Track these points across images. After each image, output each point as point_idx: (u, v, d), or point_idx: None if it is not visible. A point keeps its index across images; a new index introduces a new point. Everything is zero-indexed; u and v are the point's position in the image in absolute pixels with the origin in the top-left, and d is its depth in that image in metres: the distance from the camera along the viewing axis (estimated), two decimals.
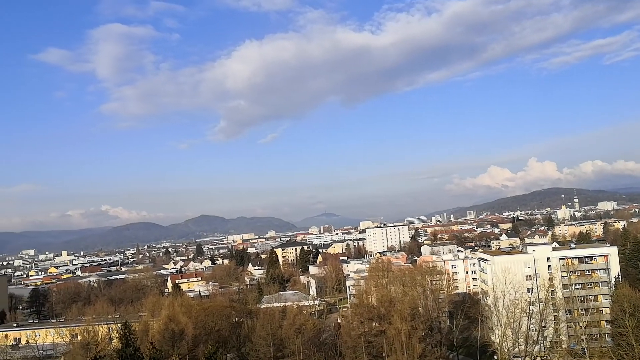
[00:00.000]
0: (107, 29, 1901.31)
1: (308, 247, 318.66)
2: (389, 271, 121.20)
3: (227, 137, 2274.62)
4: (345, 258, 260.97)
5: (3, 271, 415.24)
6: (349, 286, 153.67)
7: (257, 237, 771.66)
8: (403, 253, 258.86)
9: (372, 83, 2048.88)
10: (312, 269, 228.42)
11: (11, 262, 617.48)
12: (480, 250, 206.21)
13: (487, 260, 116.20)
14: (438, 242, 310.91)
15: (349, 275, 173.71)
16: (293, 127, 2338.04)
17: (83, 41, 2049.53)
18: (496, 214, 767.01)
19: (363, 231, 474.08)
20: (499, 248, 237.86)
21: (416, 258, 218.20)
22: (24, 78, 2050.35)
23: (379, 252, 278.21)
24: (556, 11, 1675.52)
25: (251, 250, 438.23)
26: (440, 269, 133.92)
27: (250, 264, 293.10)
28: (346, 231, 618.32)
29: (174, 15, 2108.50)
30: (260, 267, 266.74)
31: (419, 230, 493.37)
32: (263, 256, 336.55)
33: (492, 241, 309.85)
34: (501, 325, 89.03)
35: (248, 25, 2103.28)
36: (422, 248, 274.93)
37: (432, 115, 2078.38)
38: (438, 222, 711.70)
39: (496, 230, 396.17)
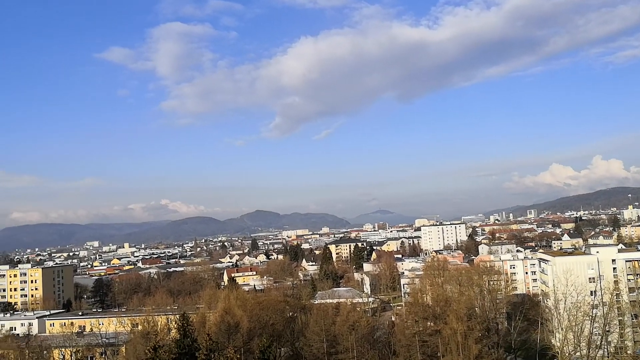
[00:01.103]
0: (167, 27, 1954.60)
1: (362, 244, 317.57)
2: (444, 270, 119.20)
3: (281, 134, 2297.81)
4: (400, 256, 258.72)
5: (69, 261, 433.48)
6: (403, 284, 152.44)
7: (310, 233, 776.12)
8: (460, 252, 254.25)
9: (429, 78, 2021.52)
10: (366, 266, 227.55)
11: (77, 253, 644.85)
12: (540, 250, 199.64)
13: (547, 261, 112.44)
14: (496, 241, 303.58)
15: (403, 273, 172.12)
16: (348, 123, 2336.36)
17: (144, 40, 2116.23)
18: (558, 214, 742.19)
19: (418, 229, 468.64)
20: (561, 249, 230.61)
21: (473, 257, 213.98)
22: (89, 76, 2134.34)
23: (434, 251, 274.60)
24: (623, 3, 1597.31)
25: (305, 246, 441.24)
26: (498, 269, 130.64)
27: (304, 259, 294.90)
28: (401, 229, 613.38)
29: (231, 14, 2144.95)
30: (314, 263, 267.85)
31: (477, 229, 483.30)
32: (317, 252, 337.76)
33: (553, 242, 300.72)
34: (562, 329, 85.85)
35: (303, 21, 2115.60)
36: (480, 247, 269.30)
37: (490, 111, 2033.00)
38: (496, 221, 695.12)
39: (558, 231, 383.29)
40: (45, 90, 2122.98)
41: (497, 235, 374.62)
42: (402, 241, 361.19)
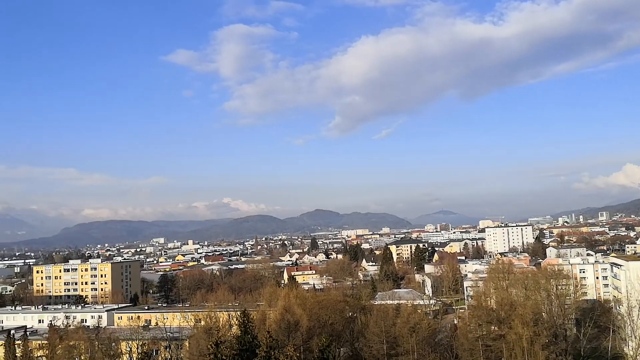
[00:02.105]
0: (230, 29, 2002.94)
1: (423, 245, 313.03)
2: (510, 273, 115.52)
3: (341, 133, 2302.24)
4: (463, 258, 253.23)
5: (136, 257, 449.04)
6: (466, 287, 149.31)
7: (371, 233, 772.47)
8: (526, 255, 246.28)
9: (493, 76, 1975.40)
10: (428, 268, 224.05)
11: (144, 249, 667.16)
12: (612, 254, 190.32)
13: (620, 265, 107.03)
14: (565, 244, 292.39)
15: (466, 275, 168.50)
16: (409, 122, 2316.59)
17: (208, 42, 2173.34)
18: (632, 216, 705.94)
19: (482, 230, 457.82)
20: (635, 253, 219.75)
21: (540, 261, 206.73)
22: (156, 78, 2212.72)
23: (499, 253, 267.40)
24: None
25: (365, 245, 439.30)
26: (567, 273, 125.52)
27: (364, 259, 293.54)
28: (464, 230, 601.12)
29: (292, 14, 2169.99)
30: (374, 263, 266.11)
31: (544, 231, 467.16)
32: (377, 252, 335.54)
33: (626, 245, 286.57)
34: (636, 337, 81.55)
35: (364, 20, 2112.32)
36: (547, 250, 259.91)
37: (559, 109, 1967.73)
38: (565, 223, 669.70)
39: (632, 234, 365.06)
40: (114, 91, 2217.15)
41: (566, 238, 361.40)
42: (465, 243, 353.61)
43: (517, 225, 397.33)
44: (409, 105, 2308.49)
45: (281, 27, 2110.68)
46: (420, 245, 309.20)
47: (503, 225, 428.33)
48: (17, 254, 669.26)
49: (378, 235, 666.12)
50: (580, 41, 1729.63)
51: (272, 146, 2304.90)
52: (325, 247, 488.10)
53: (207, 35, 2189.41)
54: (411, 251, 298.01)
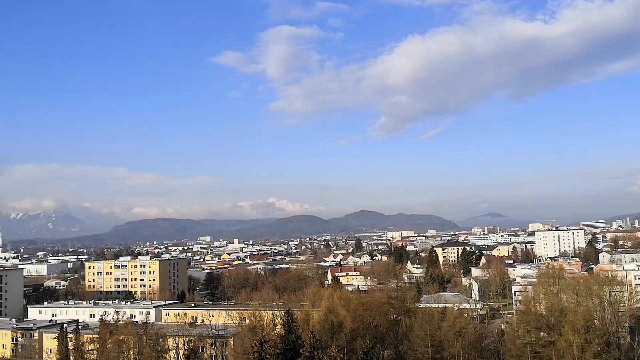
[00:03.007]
0: (276, 31, 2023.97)
1: (470, 248, 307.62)
2: (560, 278, 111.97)
3: (387, 133, 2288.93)
4: (511, 261, 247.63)
5: (183, 255, 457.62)
6: (514, 291, 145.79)
7: (416, 234, 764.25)
8: (577, 260, 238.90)
9: (544, 75, 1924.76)
10: (475, 271, 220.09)
11: (190, 247, 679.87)
12: None
13: None
14: (619, 249, 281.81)
15: (515, 280, 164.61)
16: (456, 122, 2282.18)
17: (254, 43, 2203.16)
18: None
19: (532, 234, 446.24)
20: None
21: (592, 266, 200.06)
22: (204, 80, 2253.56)
23: (549, 257, 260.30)
24: None
25: (410, 247, 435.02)
26: (621, 280, 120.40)
27: (409, 261, 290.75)
28: (513, 233, 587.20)
29: (338, 15, 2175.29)
30: (419, 266, 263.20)
31: (597, 235, 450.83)
32: (422, 255, 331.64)
33: None
34: None
35: (411, 20, 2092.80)
36: (600, 255, 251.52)
37: (614, 109, 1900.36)
38: (619, 228, 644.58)
39: None
40: (163, 93, 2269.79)
41: (620, 242, 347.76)
42: (514, 246, 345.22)
43: (568, 229, 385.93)
44: (456, 105, 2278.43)
45: (327, 27, 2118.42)
46: (467, 248, 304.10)
47: (554, 228, 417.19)
48: (70, 250, 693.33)
49: (424, 237, 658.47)
50: (637, 39, 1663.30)
51: (317, 146, 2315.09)
52: (370, 248, 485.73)
53: (254, 37, 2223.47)
54: (458, 254, 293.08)
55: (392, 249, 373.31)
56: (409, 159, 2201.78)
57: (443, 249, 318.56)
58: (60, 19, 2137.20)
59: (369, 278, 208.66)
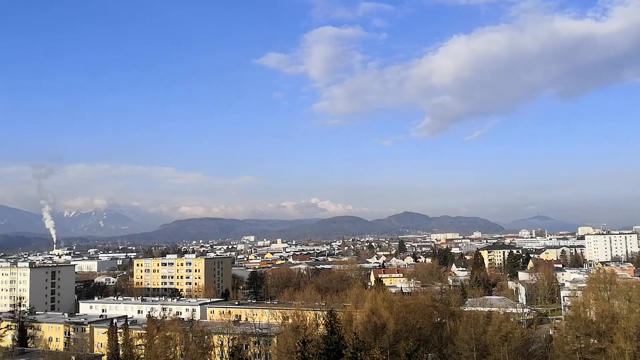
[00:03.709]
0: (320, 32, 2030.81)
1: (517, 251, 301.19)
2: (612, 283, 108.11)
3: (431, 134, 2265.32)
4: (560, 266, 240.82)
5: (228, 254, 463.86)
6: (563, 296, 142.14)
7: (461, 237, 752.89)
8: (630, 265, 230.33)
9: (595, 74, 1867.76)
10: (522, 275, 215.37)
11: (235, 246, 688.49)
12: None
13: None
14: None
15: (563, 284, 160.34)
16: (502, 123, 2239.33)
17: (298, 45, 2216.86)
18: None
19: (582, 237, 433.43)
20: None
21: None
22: (248, 81, 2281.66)
23: (600, 262, 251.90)
24: None
25: (455, 250, 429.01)
26: None
27: (453, 264, 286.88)
28: (561, 236, 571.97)
29: (382, 15, 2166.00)
30: (464, 269, 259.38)
31: None
32: (467, 257, 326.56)
33: None
34: None
35: (456, 19, 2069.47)
36: None
37: None
38: None
39: None
40: (208, 94, 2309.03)
41: None
42: (562, 250, 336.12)
43: (620, 233, 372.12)
44: (503, 106, 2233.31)
45: (370, 28, 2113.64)
46: (514, 251, 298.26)
47: (605, 232, 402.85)
48: (120, 247, 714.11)
49: (469, 240, 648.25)
50: None
51: (360, 147, 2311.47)
52: (414, 250, 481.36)
53: (297, 38, 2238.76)
54: (504, 257, 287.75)
55: (437, 251, 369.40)
56: (455, 161, 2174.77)
57: (489, 252, 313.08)
58: (106, 21, 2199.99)
59: (412, 280, 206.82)
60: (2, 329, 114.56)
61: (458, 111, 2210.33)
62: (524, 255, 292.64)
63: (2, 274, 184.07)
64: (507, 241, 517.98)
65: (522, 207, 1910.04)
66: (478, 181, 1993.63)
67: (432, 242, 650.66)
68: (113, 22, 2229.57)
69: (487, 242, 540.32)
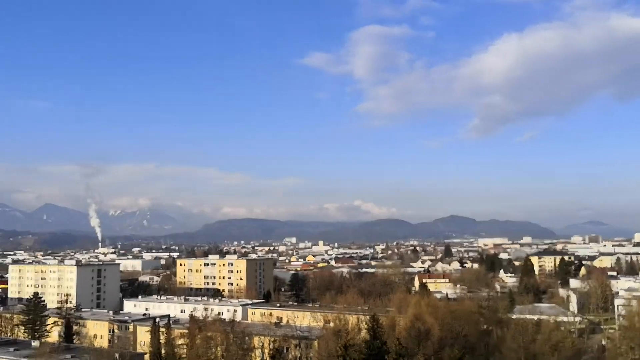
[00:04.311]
0: (365, 31, 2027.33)
1: (569, 258, 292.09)
2: None
3: (480, 135, 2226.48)
4: (614, 273, 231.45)
5: (269, 255, 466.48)
6: (617, 305, 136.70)
7: (510, 242, 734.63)
8: None
9: None
10: (573, 282, 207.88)
11: (276, 248, 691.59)
12: None
13: None
14: None
15: (617, 293, 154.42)
16: (555, 124, 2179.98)
17: (342, 44, 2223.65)
18: None
19: (638, 244, 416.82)
20: None
21: None
22: (290, 81, 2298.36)
23: None
24: None
25: (503, 255, 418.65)
26: None
27: (501, 270, 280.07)
28: (617, 243, 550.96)
29: (430, 13, 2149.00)
30: (512, 275, 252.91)
31: None
32: (516, 263, 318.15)
33: None
34: None
35: (507, 17, 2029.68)
36: None
37: None
38: None
39: None
40: (251, 95, 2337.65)
41: None
42: (617, 257, 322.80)
43: None
44: (555, 106, 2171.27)
45: (418, 26, 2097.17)
46: (566, 257, 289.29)
47: None
48: (163, 247, 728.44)
49: (518, 245, 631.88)
50: None
51: (405, 148, 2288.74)
52: (460, 255, 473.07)
53: (342, 38, 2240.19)
54: (555, 264, 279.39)
55: (484, 257, 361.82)
56: (503, 163, 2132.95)
57: (539, 258, 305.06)
58: (146, 20, 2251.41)
59: (458, 286, 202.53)
60: (49, 324, 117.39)
61: (508, 112, 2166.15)
62: (576, 262, 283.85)
63: (50, 271, 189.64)
64: (559, 247, 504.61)
65: (574, 212, 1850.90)
66: (528, 184, 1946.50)
67: (480, 247, 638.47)
68: (146, 20, 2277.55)
69: (537, 247, 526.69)
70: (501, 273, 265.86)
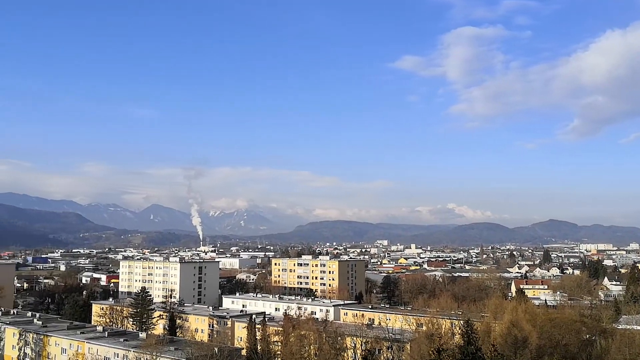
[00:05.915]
0: (458, 32, 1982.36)
1: None
2: None
3: (580, 137, 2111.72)
4: None
5: (361, 257, 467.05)
6: None
7: (615, 248, 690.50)
8: None
9: None
10: None
11: (368, 250, 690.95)
12: None
13: None
14: None
15: None
16: None
17: (435, 47, 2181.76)
18: None
19: None
20: None
21: None
22: (381, 85, 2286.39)
23: None
24: None
25: (607, 262, 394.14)
26: None
27: (605, 277, 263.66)
28: None
29: (525, 12, 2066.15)
30: (618, 283, 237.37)
31: None
32: (622, 270, 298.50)
33: None
34: None
35: (609, 14, 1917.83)
36: None
37: None
38: None
39: None
40: (343, 99, 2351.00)
41: None
42: None
43: None
44: None
45: (513, 26, 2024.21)
46: None
47: None
48: (259, 246, 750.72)
49: (624, 252, 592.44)
50: None
51: (500, 150, 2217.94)
52: (560, 260, 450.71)
53: (434, 40, 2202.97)
54: None
55: (586, 263, 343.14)
56: (607, 165, 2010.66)
57: None
58: (229, 26, 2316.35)
59: (558, 293, 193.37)
60: (155, 317, 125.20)
61: (611, 112, 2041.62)
62: None
63: (157, 267, 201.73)
64: None
65: None
66: (635, 187, 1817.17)
67: (581, 252, 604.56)
68: (230, 26, 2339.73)
69: None
70: (605, 280, 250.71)
